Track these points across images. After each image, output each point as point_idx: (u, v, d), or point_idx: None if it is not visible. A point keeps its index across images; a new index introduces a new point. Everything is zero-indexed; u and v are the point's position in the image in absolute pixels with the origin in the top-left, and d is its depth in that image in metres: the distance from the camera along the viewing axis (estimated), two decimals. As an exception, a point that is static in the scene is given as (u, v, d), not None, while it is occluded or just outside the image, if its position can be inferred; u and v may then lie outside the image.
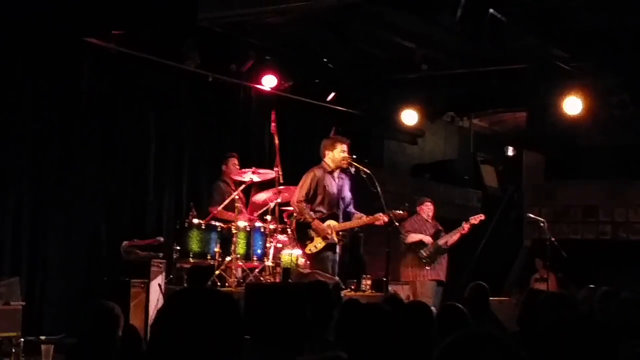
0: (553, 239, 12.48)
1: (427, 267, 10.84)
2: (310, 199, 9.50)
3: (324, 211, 9.51)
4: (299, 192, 9.52)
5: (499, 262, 16.38)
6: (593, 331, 3.01)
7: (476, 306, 6.75)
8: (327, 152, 9.64)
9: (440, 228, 11.19)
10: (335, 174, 9.65)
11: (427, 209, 11.25)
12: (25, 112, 9.23)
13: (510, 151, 18.79)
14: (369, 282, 10.40)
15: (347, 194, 9.78)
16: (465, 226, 11.26)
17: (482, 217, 11.44)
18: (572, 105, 12.42)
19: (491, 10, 9.31)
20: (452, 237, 11.22)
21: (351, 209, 9.83)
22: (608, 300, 5.72)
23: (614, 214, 16.77)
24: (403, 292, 11.02)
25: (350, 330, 4.30)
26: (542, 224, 12.81)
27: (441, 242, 11.11)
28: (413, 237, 11.09)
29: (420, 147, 16.31)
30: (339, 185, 9.65)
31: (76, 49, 9.53)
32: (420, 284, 10.94)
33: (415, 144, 16.08)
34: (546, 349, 3.19)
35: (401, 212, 9.93)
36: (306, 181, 9.53)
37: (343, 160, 9.57)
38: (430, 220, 11.22)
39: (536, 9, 10.13)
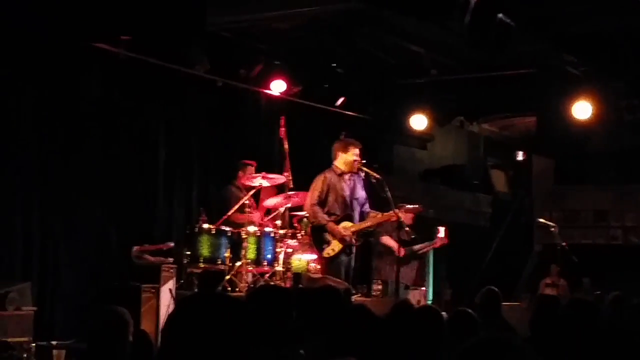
0: (564, 244, 12.46)
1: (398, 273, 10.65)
2: (322, 202, 9.50)
3: (338, 213, 9.51)
4: (311, 196, 9.52)
5: (509, 267, 16.34)
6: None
7: (488, 311, 6.75)
8: (339, 154, 9.64)
9: (409, 239, 10.93)
10: (346, 176, 9.66)
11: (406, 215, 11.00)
12: (34, 117, 9.26)
13: (520, 156, 18.75)
14: (379, 287, 10.38)
15: (361, 194, 9.77)
16: (437, 242, 11.18)
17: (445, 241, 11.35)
18: (582, 109, 12.41)
19: (500, 15, 9.31)
20: (422, 248, 11.11)
21: (366, 208, 9.82)
22: (619, 306, 5.71)
23: (625, 218, 16.73)
24: (414, 297, 11.01)
25: (361, 335, 4.30)
26: (552, 229, 12.79)
27: (416, 247, 11.01)
28: (388, 241, 10.97)
29: (429, 152, 16.29)
30: (350, 186, 9.66)
31: (84, 55, 9.56)
32: (390, 288, 10.79)
33: (424, 149, 16.07)
34: (564, 355, 3.18)
35: (416, 205, 9.95)
36: (317, 184, 9.53)
37: (355, 162, 9.58)
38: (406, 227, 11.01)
39: (545, 14, 10.12)
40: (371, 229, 10.22)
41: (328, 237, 9.43)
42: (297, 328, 3.78)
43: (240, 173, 10.40)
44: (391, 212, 9.63)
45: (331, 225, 9.41)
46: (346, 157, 9.60)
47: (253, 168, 10.42)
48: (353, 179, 9.71)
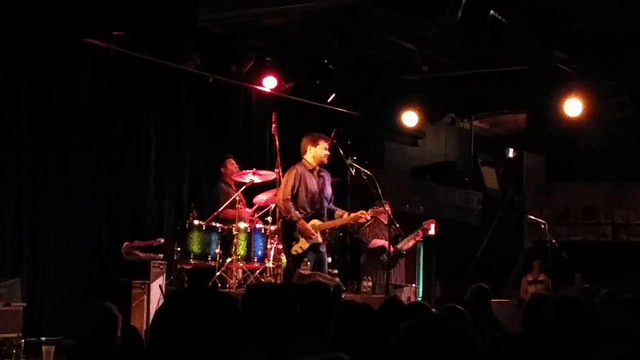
0: (554, 241, 12.48)
1: (389, 271, 10.57)
2: (293, 196, 9.45)
3: (308, 210, 9.48)
4: (284, 190, 9.42)
5: (499, 264, 16.38)
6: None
7: (477, 308, 6.75)
8: (309, 148, 9.56)
9: (398, 232, 10.89)
10: (315, 171, 9.60)
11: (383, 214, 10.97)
12: (25, 113, 9.22)
13: (510, 153, 18.78)
14: (369, 284, 10.39)
15: (328, 192, 9.72)
16: (420, 232, 11.17)
17: (433, 221, 11.29)
18: (573, 106, 12.43)
19: (492, 12, 9.31)
20: (408, 243, 11.10)
21: (332, 206, 9.78)
22: (609, 302, 5.71)
23: (615, 215, 16.77)
24: (404, 293, 11.02)
25: (349, 331, 4.29)
26: (542, 226, 12.83)
27: (399, 246, 11.01)
28: (376, 243, 11.03)
29: (420, 149, 16.31)
30: (320, 182, 9.60)
31: (76, 50, 9.52)
32: (379, 287, 10.81)
33: (415, 146, 16.09)
34: (552, 351, 3.17)
35: (381, 208, 9.87)
36: (289, 178, 9.46)
37: (325, 157, 9.54)
38: (386, 224, 10.97)
39: (537, 11, 10.13)
40: (336, 229, 10.14)
41: (297, 234, 9.39)
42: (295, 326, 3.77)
43: (222, 169, 10.39)
44: (359, 212, 9.60)
45: (302, 223, 9.34)
46: (316, 151, 9.54)
47: (232, 159, 10.40)
48: (322, 176, 9.67)
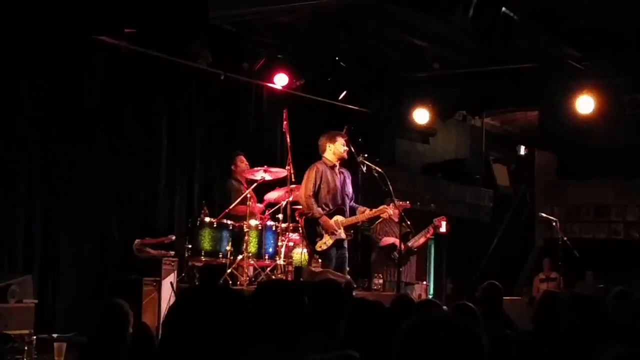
0: (565, 239, 12.45)
1: (400, 269, 10.50)
2: (315, 193, 9.47)
3: (330, 206, 9.50)
4: (305, 187, 9.47)
5: (510, 261, 16.36)
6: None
7: (489, 306, 6.73)
8: (328, 146, 9.61)
9: (409, 229, 10.90)
10: (336, 168, 9.63)
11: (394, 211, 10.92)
12: (37, 110, 9.24)
13: (522, 150, 18.77)
14: (380, 281, 10.39)
15: (350, 190, 9.77)
16: (431, 230, 11.14)
17: (443, 219, 11.26)
18: (585, 104, 12.40)
19: (503, 9, 9.29)
20: (419, 240, 11.06)
21: (353, 203, 9.82)
22: (621, 300, 5.70)
23: (626, 213, 16.71)
24: (415, 291, 11.02)
25: (360, 329, 4.29)
26: (554, 224, 12.80)
27: (410, 243, 10.98)
28: (387, 240, 11.01)
29: (431, 146, 16.30)
30: (341, 180, 9.63)
31: (87, 47, 9.54)
32: (390, 284, 10.80)
33: (427, 143, 16.08)
34: (563, 348, 3.17)
35: (405, 202, 9.89)
36: (310, 176, 9.49)
37: (345, 152, 9.56)
38: (397, 221, 10.94)
39: (548, 8, 10.11)
40: (359, 224, 10.16)
41: (321, 230, 9.40)
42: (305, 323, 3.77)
43: (233, 166, 10.41)
44: (381, 207, 9.62)
45: (325, 219, 9.37)
46: (335, 148, 9.58)
47: (243, 156, 10.42)
48: (343, 174, 9.69)
